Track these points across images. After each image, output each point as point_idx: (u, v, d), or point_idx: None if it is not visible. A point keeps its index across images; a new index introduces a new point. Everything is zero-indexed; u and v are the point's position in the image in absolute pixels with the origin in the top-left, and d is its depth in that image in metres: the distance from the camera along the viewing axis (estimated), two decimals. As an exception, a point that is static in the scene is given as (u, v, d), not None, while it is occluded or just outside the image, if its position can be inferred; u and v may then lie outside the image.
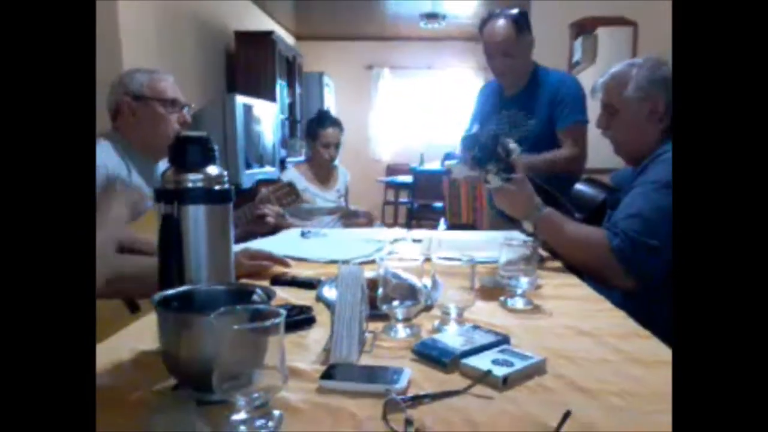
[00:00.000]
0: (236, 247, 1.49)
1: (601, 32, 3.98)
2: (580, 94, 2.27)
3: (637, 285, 1.31)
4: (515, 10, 2.26)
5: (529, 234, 1.51)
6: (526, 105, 2.30)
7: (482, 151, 1.46)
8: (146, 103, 1.70)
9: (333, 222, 2.87)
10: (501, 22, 2.22)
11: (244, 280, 1.25)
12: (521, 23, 2.23)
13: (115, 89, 1.73)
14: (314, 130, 2.91)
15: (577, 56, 4.00)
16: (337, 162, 3.07)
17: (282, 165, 4.71)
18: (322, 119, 3.01)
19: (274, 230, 1.95)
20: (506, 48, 2.22)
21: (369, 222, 2.69)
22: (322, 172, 2.96)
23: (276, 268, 1.43)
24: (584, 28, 3.98)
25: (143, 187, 1.71)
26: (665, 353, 0.87)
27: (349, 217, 2.88)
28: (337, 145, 2.94)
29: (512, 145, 1.46)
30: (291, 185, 1.97)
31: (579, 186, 1.75)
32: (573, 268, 1.46)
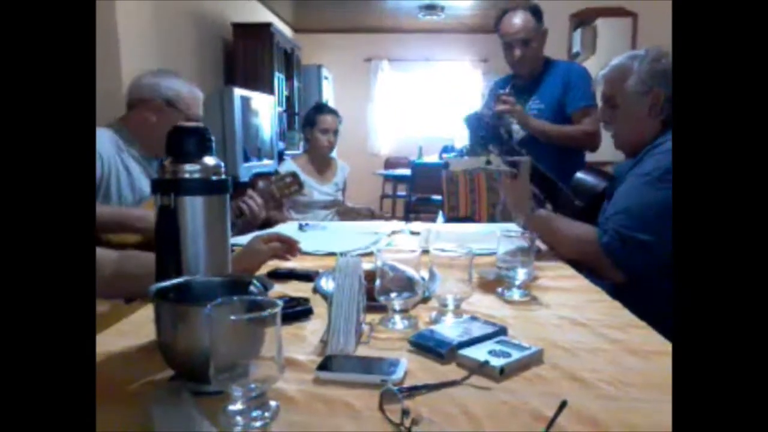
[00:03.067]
0: (239, 239, 1.49)
1: (601, 23, 3.97)
2: (589, 80, 2.34)
3: (628, 278, 1.32)
4: (530, 3, 2.39)
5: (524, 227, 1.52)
6: (536, 91, 2.37)
7: (485, 131, 1.47)
8: (174, 112, 1.72)
9: (330, 215, 2.87)
10: (519, 13, 2.32)
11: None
12: (537, 13, 2.34)
13: (148, 84, 1.74)
14: (312, 117, 2.92)
15: (576, 47, 3.99)
16: (335, 155, 3.06)
17: (280, 157, 4.70)
18: (320, 107, 3.04)
19: (269, 224, 1.95)
20: (525, 36, 2.31)
21: (372, 216, 2.72)
22: (321, 162, 2.95)
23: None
24: (584, 19, 3.97)
25: (141, 177, 1.71)
26: (661, 343, 0.88)
27: (347, 214, 2.89)
28: (335, 132, 2.94)
29: (515, 126, 1.47)
30: (294, 175, 1.96)
31: (580, 174, 1.75)
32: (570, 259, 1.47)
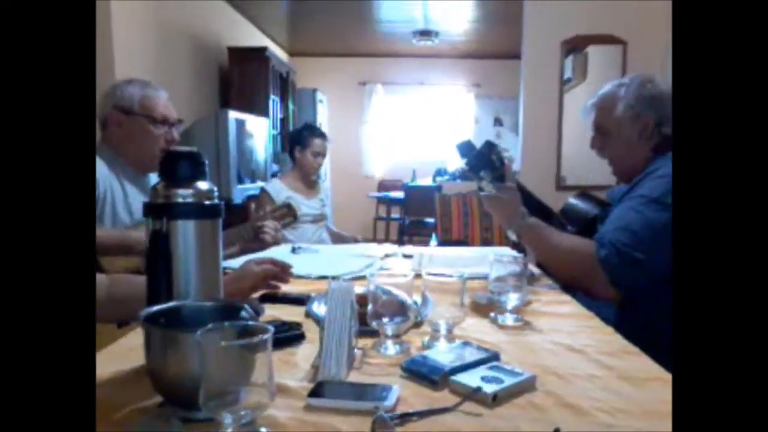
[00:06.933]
0: (231, 263, 1.49)
1: (592, 50, 4.03)
2: None
3: (620, 295, 1.32)
4: None
5: (515, 244, 1.52)
6: None
7: (477, 158, 1.48)
8: (134, 118, 1.68)
9: (318, 229, 2.89)
10: None
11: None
12: None
13: (105, 99, 1.71)
14: (305, 139, 2.98)
15: (568, 74, 4.05)
16: (326, 176, 3.13)
17: (274, 180, 4.71)
18: (313, 128, 3.11)
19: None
20: None
21: (355, 242, 2.79)
22: (307, 181, 3.03)
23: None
24: (575, 46, 4.03)
25: (137, 196, 1.70)
26: (655, 370, 0.87)
27: (334, 236, 2.94)
28: (323, 156, 3.04)
29: (506, 153, 1.48)
30: (289, 206, 2.00)
31: (572, 200, 1.76)
32: (562, 282, 1.47)
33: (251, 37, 5.68)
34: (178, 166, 0.88)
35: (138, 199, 1.70)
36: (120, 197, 1.66)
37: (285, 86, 5.47)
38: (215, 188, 0.91)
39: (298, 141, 2.99)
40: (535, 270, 1.58)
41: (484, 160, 1.46)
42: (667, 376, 0.83)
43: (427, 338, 1.01)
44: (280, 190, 2.90)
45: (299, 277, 1.53)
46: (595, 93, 1.60)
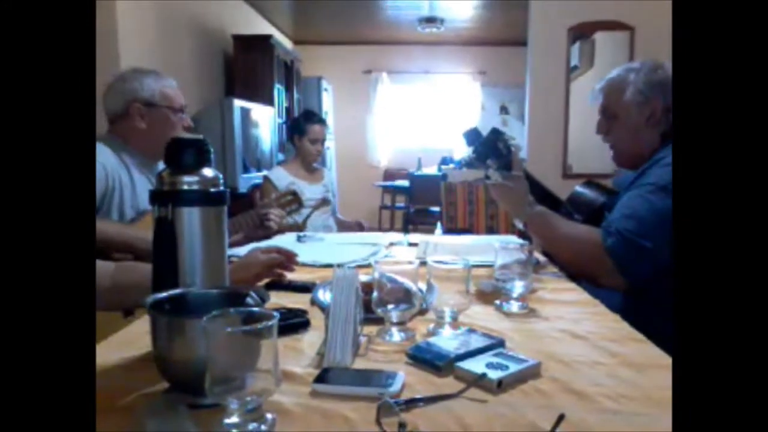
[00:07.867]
0: (237, 251, 1.49)
1: (599, 37, 4.00)
2: None
3: (626, 284, 1.31)
4: None
5: (521, 232, 1.52)
6: None
7: (484, 145, 1.48)
8: (158, 110, 1.71)
9: (322, 215, 2.90)
10: None
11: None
12: None
13: (120, 93, 1.71)
14: (302, 126, 2.98)
15: (575, 61, 4.02)
16: (332, 162, 3.12)
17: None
18: (310, 115, 3.11)
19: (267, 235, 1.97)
20: None
21: (361, 229, 2.78)
22: (309, 167, 3.04)
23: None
24: (582, 32, 4.00)
25: (146, 185, 1.71)
26: (659, 357, 0.87)
27: (342, 227, 2.95)
28: (323, 142, 3.04)
29: (513, 141, 1.48)
30: (294, 193, 2.00)
31: (579, 188, 1.75)
32: (567, 271, 1.47)
33: (256, 25, 5.66)
34: (184, 154, 0.88)
35: (146, 187, 1.71)
36: (128, 186, 1.67)
37: (290, 75, 5.45)
38: (220, 175, 0.91)
39: (297, 128, 3.00)
40: (541, 258, 1.58)
41: (490, 147, 1.46)
42: (671, 362, 0.83)
43: (432, 325, 1.01)
44: (282, 176, 2.90)
45: (305, 265, 1.53)
46: (602, 79, 1.58)
